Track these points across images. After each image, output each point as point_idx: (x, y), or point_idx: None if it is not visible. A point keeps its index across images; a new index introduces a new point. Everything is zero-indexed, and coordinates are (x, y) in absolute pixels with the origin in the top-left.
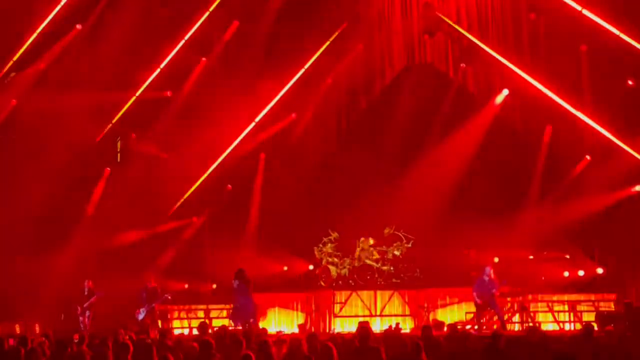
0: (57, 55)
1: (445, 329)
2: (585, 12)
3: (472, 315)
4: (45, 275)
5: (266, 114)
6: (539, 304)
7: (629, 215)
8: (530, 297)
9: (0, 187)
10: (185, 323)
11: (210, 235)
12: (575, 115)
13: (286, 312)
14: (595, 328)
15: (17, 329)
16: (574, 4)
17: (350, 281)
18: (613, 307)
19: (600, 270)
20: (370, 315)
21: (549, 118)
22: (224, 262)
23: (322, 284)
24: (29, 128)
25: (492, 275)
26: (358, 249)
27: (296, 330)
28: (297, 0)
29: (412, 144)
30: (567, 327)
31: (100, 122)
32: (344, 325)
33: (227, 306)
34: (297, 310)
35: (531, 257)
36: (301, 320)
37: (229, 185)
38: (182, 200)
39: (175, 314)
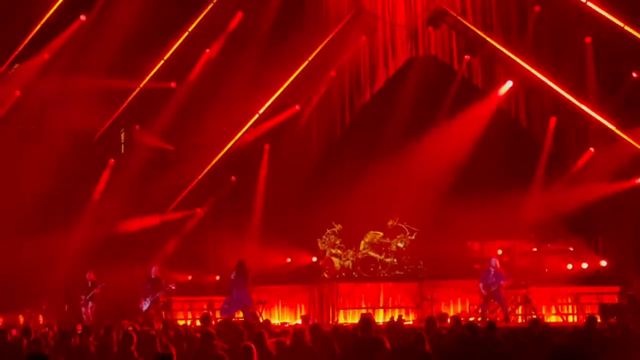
0: (61, 45)
1: (449, 320)
2: (590, 4)
3: (475, 307)
4: (48, 265)
5: (270, 105)
6: (542, 296)
7: (633, 207)
8: (533, 289)
9: (3, 177)
10: (189, 314)
11: (213, 227)
12: (579, 107)
13: (290, 304)
14: (598, 320)
15: (21, 320)
16: None
17: (354, 273)
18: (616, 299)
19: (603, 263)
20: (374, 307)
21: (553, 110)
22: (228, 253)
23: (326, 275)
24: (32, 119)
25: (498, 267)
26: (364, 242)
27: (299, 322)
28: None
29: (416, 135)
30: (570, 319)
31: (104, 113)
32: (347, 317)
33: None
34: (300, 302)
35: (535, 249)
36: (304, 312)
37: (233, 177)
38: (186, 191)
39: (179, 305)
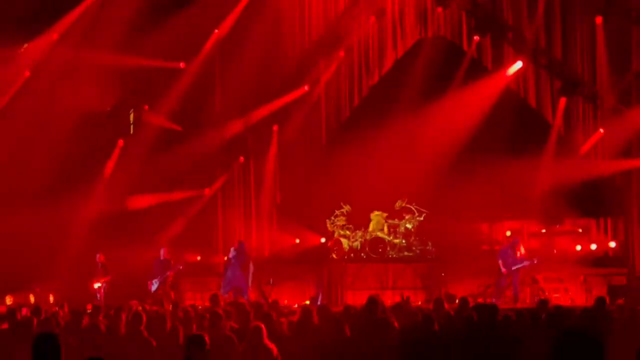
0: (70, 24)
1: (457, 301)
2: None
3: (484, 287)
4: (58, 244)
5: (279, 85)
6: (551, 277)
7: None
8: (541, 270)
9: (13, 156)
10: (198, 295)
11: (222, 207)
12: (589, 88)
13: (298, 285)
14: (607, 302)
15: (31, 299)
16: None
17: (362, 254)
18: (625, 281)
19: (612, 244)
20: (382, 288)
21: (562, 90)
22: (236, 234)
23: (334, 256)
24: (42, 99)
25: (521, 249)
26: (372, 223)
27: (308, 303)
28: None
29: (424, 116)
30: (578, 300)
31: (114, 93)
32: (356, 298)
33: None
34: (309, 282)
35: (543, 230)
36: (313, 293)
37: (241, 157)
38: (194, 172)
39: (188, 286)
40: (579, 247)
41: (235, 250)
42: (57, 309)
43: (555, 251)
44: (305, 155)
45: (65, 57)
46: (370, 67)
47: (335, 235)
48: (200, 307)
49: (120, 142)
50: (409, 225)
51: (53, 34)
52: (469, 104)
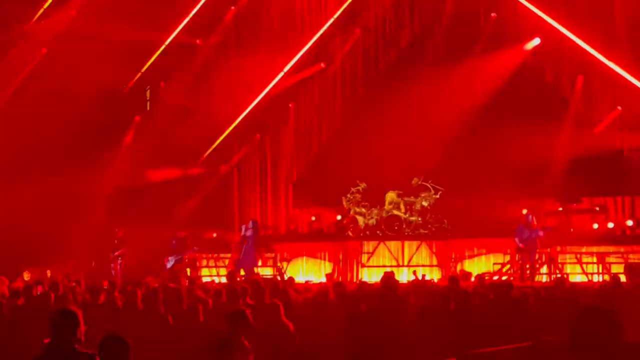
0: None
1: (473, 279)
2: None
3: (500, 266)
4: (75, 220)
5: (295, 63)
6: (568, 256)
7: None
8: (558, 248)
9: (29, 133)
10: (214, 271)
11: (238, 184)
12: (607, 66)
13: (314, 262)
14: (624, 280)
15: (48, 274)
16: None
17: (378, 232)
18: None
19: (629, 223)
20: (398, 266)
21: (580, 68)
22: (252, 211)
23: (350, 234)
24: (59, 76)
25: (534, 222)
26: (387, 203)
27: (324, 280)
28: None
29: (441, 92)
30: (595, 278)
31: (130, 70)
32: (371, 275)
33: None
34: (324, 260)
35: (560, 208)
36: (329, 270)
37: (258, 134)
38: (211, 149)
39: (204, 262)
40: (596, 226)
41: (251, 229)
42: (74, 284)
43: (572, 229)
44: (321, 132)
45: (83, 32)
46: (387, 44)
47: (351, 212)
48: (216, 283)
49: (137, 119)
50: (425, 203)
51: (71, 11)
52: (485, 78)
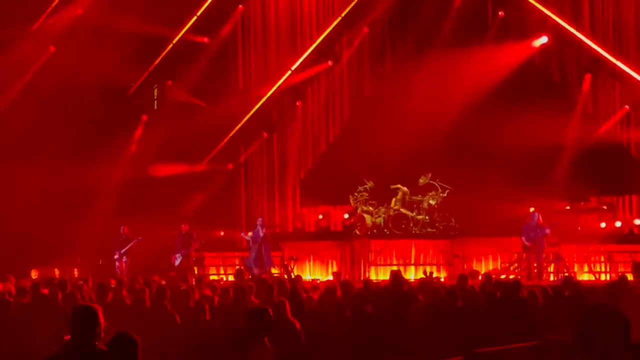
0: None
1: (480, 278)
2: None
3: (507, 264)
4: (82, 218)
5: (302, 61)
6: (575, 254)
7: None
8: (565, 247)
9: (36, 129)
10: (222, 270)
11: (245, 183)
12: (615, 65)
13: (321, 260)
14: (631, 279)
15: (56, 273)
16: None
17: (385, 230)
18: None
19: (637, 222)
20: (405, 264)
21: (588, 67)
22: (259, 209)
23: (357, 232)
24: (66, 74)
25: (540, 220)
26: (395, 199)
27: (331, 278)
28: None
29: (448, 92)
30: (602, 277)
31: (137, 69)
32: (379, 274)
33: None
34: (332, 258)
35: (568, 207)
36: (336, 269)
37: (265, 133)
38: (218, 147)
39: (211, 261)
40: (603, 225)
41: (262, 228)
42: (81, 282)
43: (579, 228)
44: (329, 130)
45: (90, 28)
46: (394, 42)
47: (359, 211)
48: (223, 282)
49: (144, 118)
50: (432, 202)
51: (78, 9)
52: (492, 76)
